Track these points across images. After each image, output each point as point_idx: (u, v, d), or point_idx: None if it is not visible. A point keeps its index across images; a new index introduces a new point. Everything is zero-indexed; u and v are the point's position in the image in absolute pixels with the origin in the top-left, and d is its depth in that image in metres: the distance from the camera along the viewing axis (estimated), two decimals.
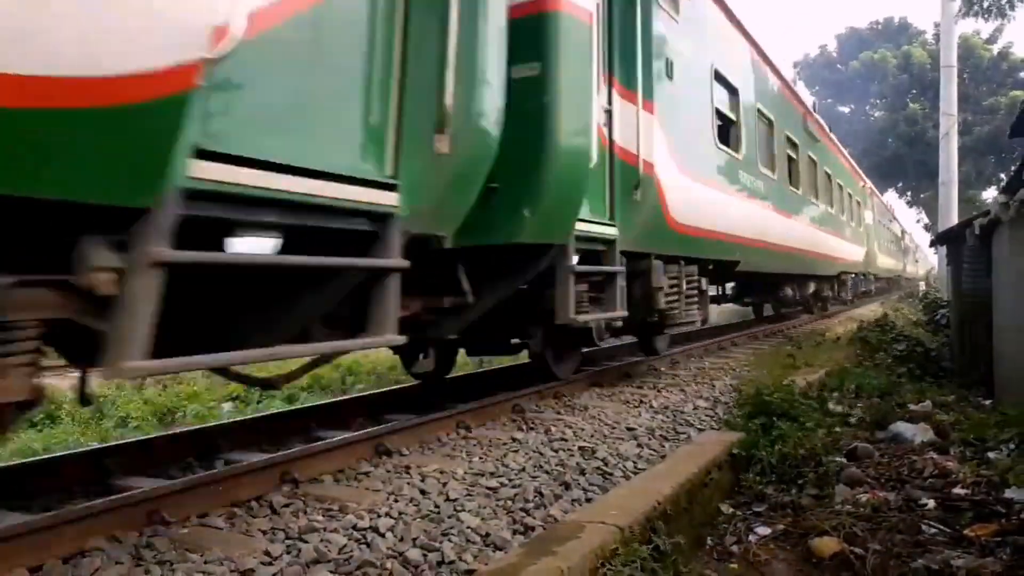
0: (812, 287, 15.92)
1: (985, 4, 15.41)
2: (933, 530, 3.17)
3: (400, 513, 3.07)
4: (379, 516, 3.01)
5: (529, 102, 4.40)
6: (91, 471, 3.74)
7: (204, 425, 5.01)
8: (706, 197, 7.59)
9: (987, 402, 6.01)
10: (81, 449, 4.31)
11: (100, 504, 2.87)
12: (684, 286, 6.96)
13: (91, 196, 2.10)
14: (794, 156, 12.28)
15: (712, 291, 10.21)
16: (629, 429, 4.82)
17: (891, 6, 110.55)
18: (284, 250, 3.22)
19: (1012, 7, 15.49)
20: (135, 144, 2.13)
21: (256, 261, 3.09)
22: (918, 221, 45.68)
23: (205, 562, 2.55)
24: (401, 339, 3.34)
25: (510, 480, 3.60)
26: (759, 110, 9.98)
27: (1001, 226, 6.16)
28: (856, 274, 20.63)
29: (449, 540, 2.79)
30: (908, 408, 5.63)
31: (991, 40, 37.13)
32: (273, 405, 7.23)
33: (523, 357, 6.86)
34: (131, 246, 2.25)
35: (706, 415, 5.46)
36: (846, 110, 41.69)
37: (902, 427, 4.83)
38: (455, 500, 3.26)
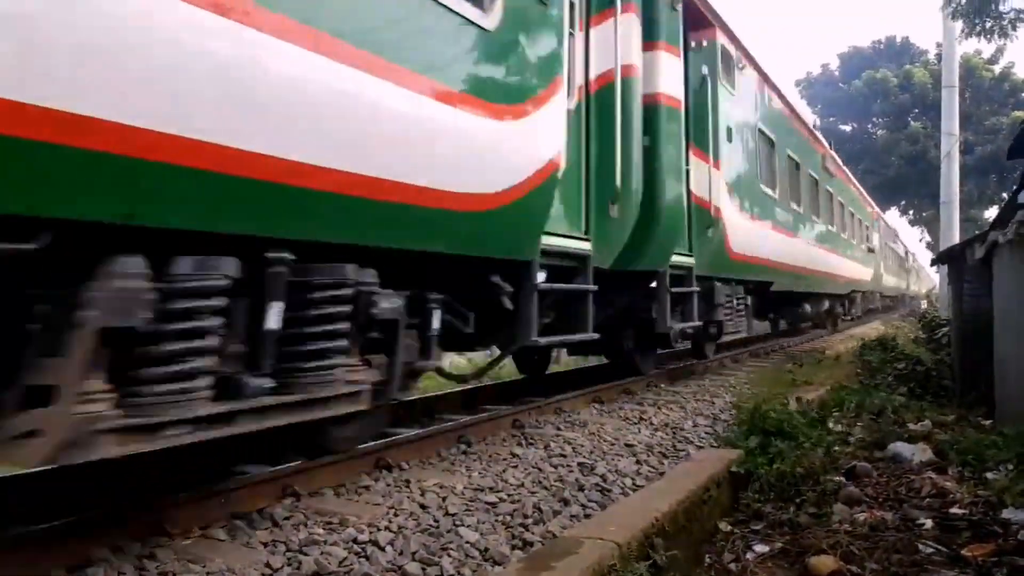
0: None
1: (988, 25, 15.51)
2: (930, 550, 3.18)
3: (400, 527, 3.09)
4: (379, 530, 3.04)
5: (645, 167, 6.28)
6: (93, 482, 3.76)
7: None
8: (762, 231, 9.91)
9: (987, 422, 6.01)
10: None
11: (103, 515, 2.89)
12: (735, 302, 8.94)
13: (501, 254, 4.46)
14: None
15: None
16: (628, 446, 4.84)
17: (893, 26, 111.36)
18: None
19: (1014, 27, 15.60)
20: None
21: (556, 287, 5.17)
22: (920, 239, 45.76)
23: (207, 573, 2.57)
24: (595, 335, 5.53)
25: (509, 495, 3.62)
26: (789, 155, 11.98)
27: (1001, 247, 6.20)
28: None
29: (448, 555, 2.82)
30: (907, 427, 5.64)
31: (992, 61, 37.27)
32: None
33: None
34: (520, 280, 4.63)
35: (705, 432, 5.47)
36: (848, 129, 41.75)
37: (901, 447, 4.84)
38: (454, 515, 3.28)
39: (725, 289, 8.49)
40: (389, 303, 3.55)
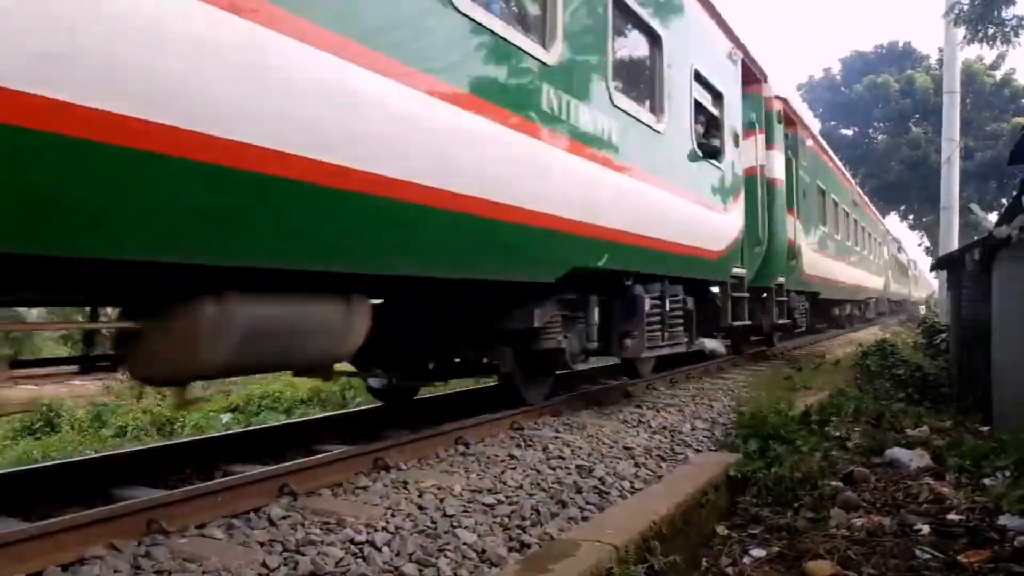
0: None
1: (990, 31, 15.53)
2: (927, 555, 3.18)
3: (397, 528, 3.09)
4: (376, 530, 3.03)
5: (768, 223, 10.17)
6: (90, 479, 3.76)
7: (203, 436, 5.03)
8: (818, 258, 14.03)
9: (984, 428, 6.01)
10: (80, 457, 4.34)
11: (99, 512, 2.89)
12: (802, 306, 12.69)
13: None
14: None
15: None
16: (627, 448, 4.84)
17: (895, 31, 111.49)
18: None
19: (1016, 34, 15.62)
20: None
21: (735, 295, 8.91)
22: (920, 244, 45.76)
23: (203, 572, 2.56)
24: (749, 322, 9.47)
25: (507, 497, 3.62)
26: (835, 201, 16.39)
27: (1001, 252, 6.20)
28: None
29: (445, 556, 2.81)
30: (905, 433, 5.64)
31: (994, 67, 37.28)
32: (272, 418, 7.25)
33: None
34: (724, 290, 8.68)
35: (704, 436, 5.47)
36: (849, 133, 41.78)
37: (899, 452, 4.85)
38: (452, 516, 3.27)
39: (800, 299, 12.51)
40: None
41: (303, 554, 2.76)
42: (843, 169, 19.50)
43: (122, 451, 4.40)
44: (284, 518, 3.17)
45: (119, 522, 2.87)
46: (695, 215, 7.21)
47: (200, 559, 2.67)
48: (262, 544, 2.87)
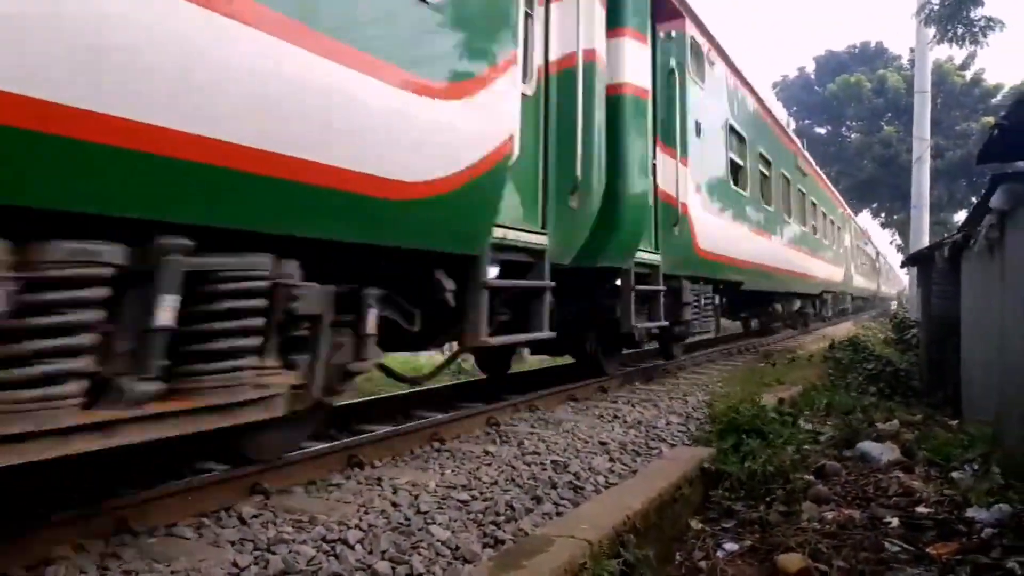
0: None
1: (959, 31, 15.76)
2: (896, 548, 3.22)
3: (370, 525, 3.06)
4: (349, 528, 3.01)
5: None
6: (56, 478, 3.68)
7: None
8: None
9: (953, 422, 6.11)
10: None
11: (66, 512, 2.83)
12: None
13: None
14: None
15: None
16: (602, 443, 4.85)
17: (868, 31, 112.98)
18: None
19: (985, 34, 15.87)
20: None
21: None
22: (891, 242, 46.45)
23: (172, 572, 2.52)
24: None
25: (482, 493, 3.61)
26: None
27: (969, 250, 6.30)
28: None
29: (419, 553, 2.79)
30: (876, 427, 5.71)
31: (964, 67, 37.89)
32: None
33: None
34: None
35: (679, 431, 5.50)
36: (822, 131, 42.27)
37: (869, 446, 4.90)
38: (426, 513, 3.26)
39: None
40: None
41: (274, 553, 2.73)
42: (860, 226, 31.80)
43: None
44: (255, 517, 3.13)
45: (86, 522, 2.82)
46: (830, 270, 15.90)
47: (169, 559, 2.63)
48: (232, 543, 2.83)
